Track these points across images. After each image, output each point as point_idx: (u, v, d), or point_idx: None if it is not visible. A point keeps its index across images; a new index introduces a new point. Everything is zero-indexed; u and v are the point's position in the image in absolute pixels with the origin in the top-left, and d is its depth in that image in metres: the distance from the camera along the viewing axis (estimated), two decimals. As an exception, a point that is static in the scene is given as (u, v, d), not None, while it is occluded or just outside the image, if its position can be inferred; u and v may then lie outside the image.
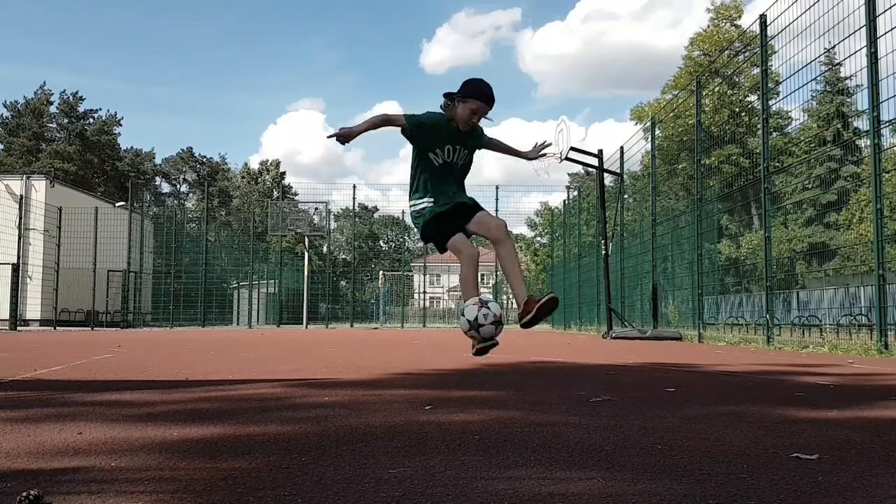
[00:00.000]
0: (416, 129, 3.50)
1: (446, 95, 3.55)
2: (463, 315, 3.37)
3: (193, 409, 2.24)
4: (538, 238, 54.75)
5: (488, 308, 3.34)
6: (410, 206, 3.65)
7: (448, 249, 3.54)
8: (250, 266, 25.74)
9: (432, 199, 3.56)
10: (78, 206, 22.13)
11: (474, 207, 3.61)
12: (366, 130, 3.44)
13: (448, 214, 3.53)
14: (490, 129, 3.80)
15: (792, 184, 21.36)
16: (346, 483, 1.24)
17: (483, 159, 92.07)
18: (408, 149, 3.59)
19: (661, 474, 1.32)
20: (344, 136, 3.38)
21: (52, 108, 54.38)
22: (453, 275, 41.67)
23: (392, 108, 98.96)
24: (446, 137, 3.53)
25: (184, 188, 64.39)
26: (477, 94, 3.50)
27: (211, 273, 23.88)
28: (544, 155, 4.02)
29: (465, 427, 1.86)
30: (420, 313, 27.46)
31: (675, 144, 33.02)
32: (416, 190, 3.61)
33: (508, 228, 3.61)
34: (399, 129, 3.52)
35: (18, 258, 19.97)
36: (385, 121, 3.52)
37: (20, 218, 20.74)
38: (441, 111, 3.54)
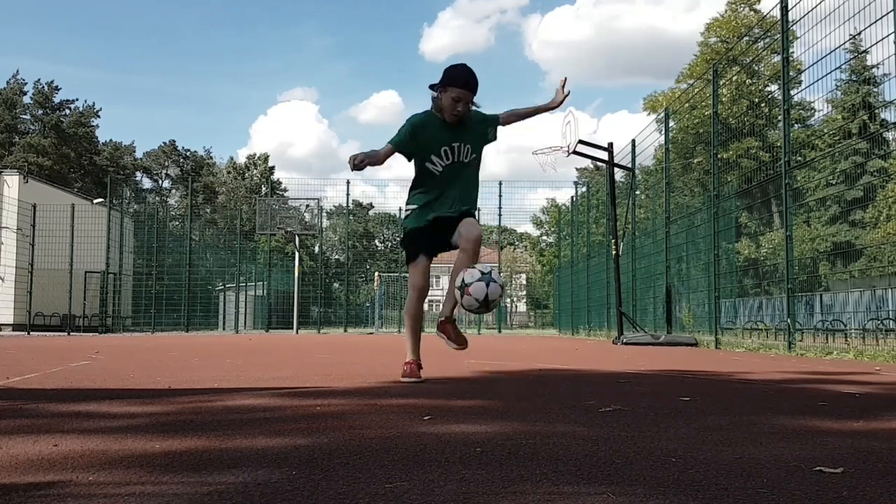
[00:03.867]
0: (405, 146, 3.45)
1: (432, 87, 3.46)
2: (461, 276, 3.25)
3: (176, 419, 2.25)
4: (544, 237, 54.83)
5: (488, 286, 3.17)
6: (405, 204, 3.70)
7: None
8: (237, 267, 25.77)
9: (416, 209, 3.55)
10: (53, 202, 22.14)
11: (463, 214, 3.51)
12: (375, 164, 3.36)
13: (424, 232, 3.52)
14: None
15: (815, 179, 21.37)
16: (339, 498, 1.24)
17: (486, 153, 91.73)
18: None
19: (675, 489, 1.32)
20: (360, 162, 3.24)
21: (26, 99, 54.43)
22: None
23: (391, 98, 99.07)
24: (442, 138, 3.46)
25: (166, 184, 64.48)
26: (454, 80, 3.39)
27: (195, 274, 23.89)
28: (568, 94, 3.76)
29: (466, 439, 1.86)
30: (418, 317, 27.39)
31: (691, 137, 33.05)
32: (411, 190, 3.63)
33: (479, 247, 3.42)
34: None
35: (-10, 258, 20.02)
36: (385, 155, 3.41)
37: (-8, 215, 20.79)
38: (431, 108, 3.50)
